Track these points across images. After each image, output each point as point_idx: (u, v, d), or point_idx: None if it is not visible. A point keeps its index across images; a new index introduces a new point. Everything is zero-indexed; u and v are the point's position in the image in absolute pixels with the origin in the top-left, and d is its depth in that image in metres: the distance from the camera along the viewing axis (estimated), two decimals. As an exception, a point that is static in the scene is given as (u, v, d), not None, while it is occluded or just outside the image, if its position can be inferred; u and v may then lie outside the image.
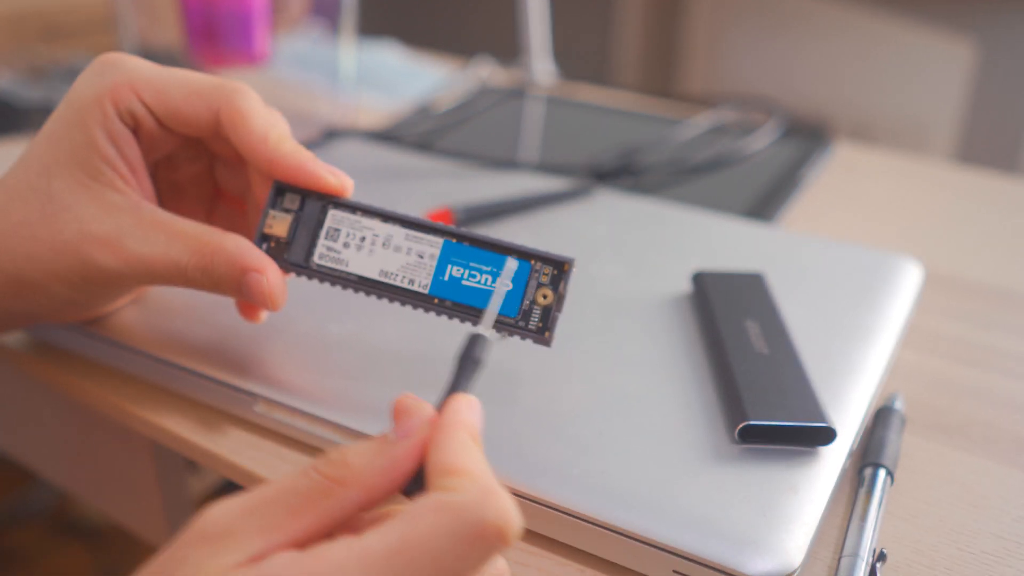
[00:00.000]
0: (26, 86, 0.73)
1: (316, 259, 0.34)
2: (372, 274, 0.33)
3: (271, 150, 0.33)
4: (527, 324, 0.32)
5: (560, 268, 0.33)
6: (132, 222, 0.33)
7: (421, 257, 0.33)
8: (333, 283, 0.34)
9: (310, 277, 0.34)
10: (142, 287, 0.37)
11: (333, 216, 0.34)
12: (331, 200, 0.34)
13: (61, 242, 0.33)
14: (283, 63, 0.78)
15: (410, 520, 0.22)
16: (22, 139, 0.63)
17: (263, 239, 0.34)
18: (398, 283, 0.33)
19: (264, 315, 0.37)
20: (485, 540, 0.22)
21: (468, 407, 0.26)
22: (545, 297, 0.33)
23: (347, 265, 0.34)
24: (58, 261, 0.33)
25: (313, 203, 0.34)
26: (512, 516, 0.22)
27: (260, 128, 0.33)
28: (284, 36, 0.81)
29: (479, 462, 0.24)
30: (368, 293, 0.34)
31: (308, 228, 0.34)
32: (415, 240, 0.33)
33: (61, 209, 0.33)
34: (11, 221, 0.33)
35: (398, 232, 0.33)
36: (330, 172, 0.34)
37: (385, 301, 0.34)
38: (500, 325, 0.33)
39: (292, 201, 0.34)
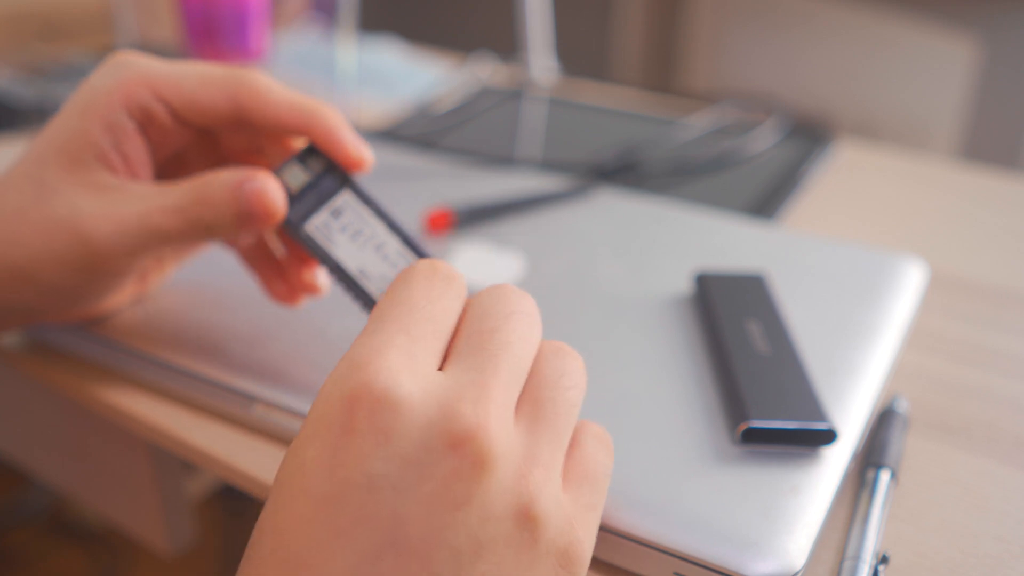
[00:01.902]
0: (24, 85, 0.72)
1: (309, 227, 0.34)
2: (351, 268, 0.33)
3: (303, 113, 0.34)
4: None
5: None
6: (123, 195, 0.33)
7: None
8: (312, 255, 0.34)
9: (295, 239, 0.34)
10: (139, 263, 0.37)
11: (345, 197, 0.34)
12: (351, 182, 0.34)
13: (53, 221, 0.33)
14: (283, 62, 0.77)
15: None
16: (20, 138, 0.63)
17: None
18: (369, 288, 0.33)
19: (301, 299, 0.37)
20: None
21: None
22: None
23: (334, 248, 0.33)
24: (51, 242, 0.33)
25: (334, 176, 0.34)
26: None
27: (283, 98, 0.34)
28: (282, 32, 0.81)
29: None
30: (338, 282, 0.33)
31: (318, 196, 0.34)
32: (406, 259, 0.33)
33: (52, 192, 0.33)
34: (4, 209, 0.33)
35: (394, 243, 0.33)
36: (353, 143, 0.34)
37: (350, 297, 0.34)
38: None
39: (317, 165, 0.34)
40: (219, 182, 0.33)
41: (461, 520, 0.23)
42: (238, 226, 0.33)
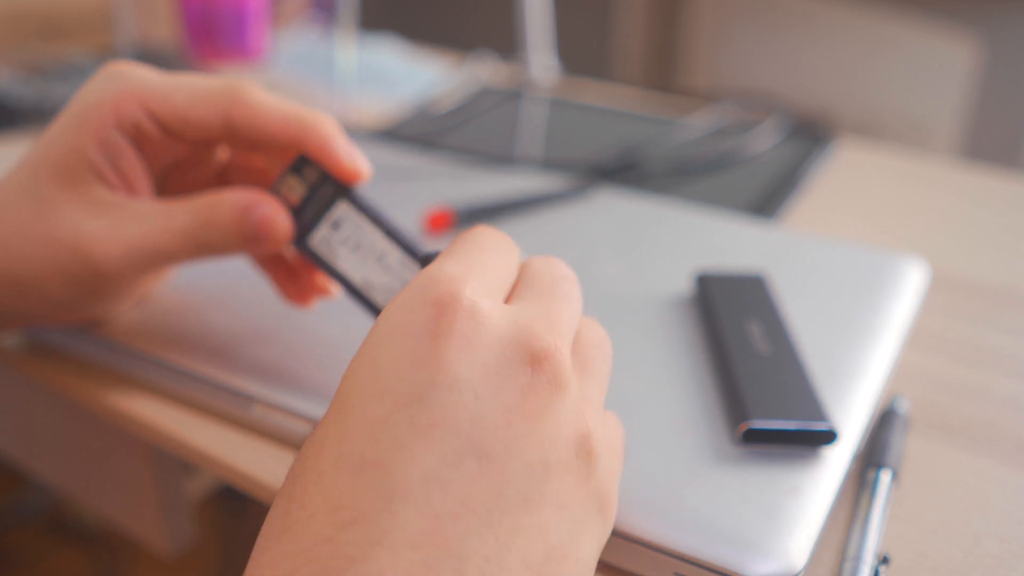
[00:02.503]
0: (24, 85, 0.72)
1: (312, 242, 0.34)
2: (356, 279, 0.33)
3: (295, 128, 0.33)
4: None
5: None
6: (126, 214, 0.33)
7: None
8: (317, 267, 0.34)
9: (301, 253, 0.34)
10: (142, 279, 0.37)
11: (342, 207, 0.34)
12: (346, 191, 0.34)
13: (56, 240, 0.33)
14: (283, 62, 0.77)
15: None
16: (20, 138, 0.63)
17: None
18: (375, 299, 0.33)
19: (314, 301, 0.37)
20: None
21: None
22: None
23: (337, 261, 0.33)
24: (55, 259, 0.33)
25: (329, 186, 0.34)
26: None
27: (275, 114, 0.34)
28: (282, 32, 0.81)
29: None
30: (346, 292, 0.34)
31: (316, 207, 0.34)
32: (407, 268, 0.33)
33: (52, 210, 0.33)
34: (2, 221, 0.33)
35: (393, 252, 0.33)
36: (348, 156, 0.34)
37: (358, 306, 0.34)
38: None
39: (312, 174, 0.34)
40: (225, 205, 0.33)
41: (536, 433, 0.23)
42: (243, 248, 0.34)
